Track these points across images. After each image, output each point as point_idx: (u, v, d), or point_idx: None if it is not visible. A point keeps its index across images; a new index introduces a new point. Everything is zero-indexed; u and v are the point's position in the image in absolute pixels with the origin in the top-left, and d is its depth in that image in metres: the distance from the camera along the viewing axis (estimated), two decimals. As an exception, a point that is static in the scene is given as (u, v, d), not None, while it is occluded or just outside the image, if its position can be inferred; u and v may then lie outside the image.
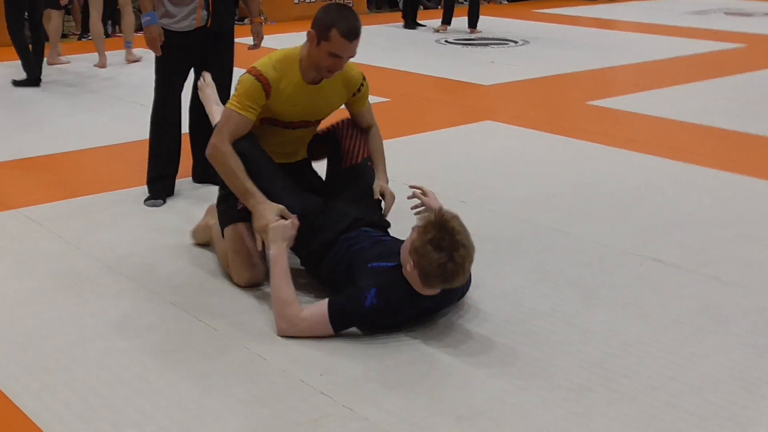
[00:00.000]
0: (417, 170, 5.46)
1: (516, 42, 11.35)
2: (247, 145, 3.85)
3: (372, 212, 3.96)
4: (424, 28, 12.63)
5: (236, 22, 5.68)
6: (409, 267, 3.33)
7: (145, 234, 4.53)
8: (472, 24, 12.22)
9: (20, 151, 6.10)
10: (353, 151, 4.11)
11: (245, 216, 3.91)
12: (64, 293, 3.83)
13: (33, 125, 6.90)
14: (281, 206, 3.70)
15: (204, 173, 5.25)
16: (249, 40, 5.30)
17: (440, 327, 3.51)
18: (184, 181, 5.34)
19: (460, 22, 12.28)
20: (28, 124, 6.95)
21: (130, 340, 3.41)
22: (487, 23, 13.15)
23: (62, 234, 4.50)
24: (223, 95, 4.95)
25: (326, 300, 3.43)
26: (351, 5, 14.29)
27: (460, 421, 2.88)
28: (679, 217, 4.84)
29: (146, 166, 5.15)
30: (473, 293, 3.79)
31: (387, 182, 4.09)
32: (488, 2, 16.21)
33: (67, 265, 4.13)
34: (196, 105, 5.12)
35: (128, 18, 9.83)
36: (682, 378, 3.14)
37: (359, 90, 4.05)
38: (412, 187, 4.07)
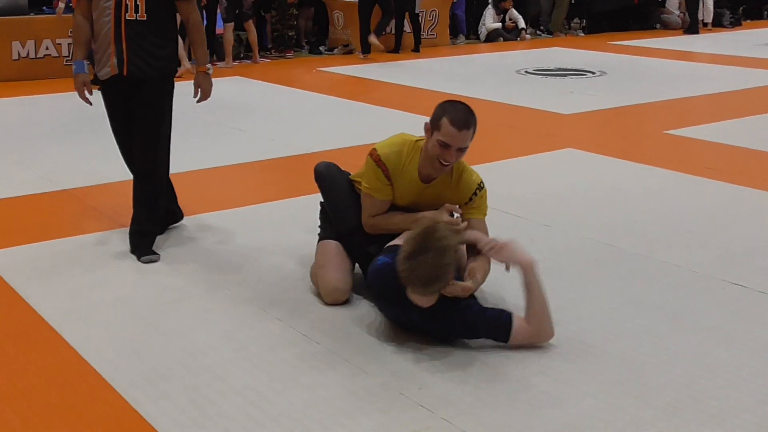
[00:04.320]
0: (503, 195, 5.46)
1: (593, 73, 11.27)
2: (327, 169, 4.15)
3: None
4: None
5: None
6: None
7: (249, 252, 4.60)
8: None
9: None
10: None
11: (341, 237, 4.05)
12: (176, 307, 3.93)
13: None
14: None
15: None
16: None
17: (530, 348, 3.49)
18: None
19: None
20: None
21: (239, 353, 3.48)
22: (565, 54, 13.11)
23: (170, 251, 4.61)
24: (145, 153, 4.52)
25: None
26: (435, 37, 14.37)
27: (555, 437, 2.87)
28: (758, 243, 4.75)
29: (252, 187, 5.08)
30: (562, 314, 3.76)
31: (488, 267, 3.71)
32: (565, 34, 16.14)
33: (177, 282, 4.22)
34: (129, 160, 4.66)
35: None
36: (771, 401, 3.09)
37: (471, 199, 3.87)
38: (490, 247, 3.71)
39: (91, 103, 4.57)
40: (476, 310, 3.49)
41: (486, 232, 3.87)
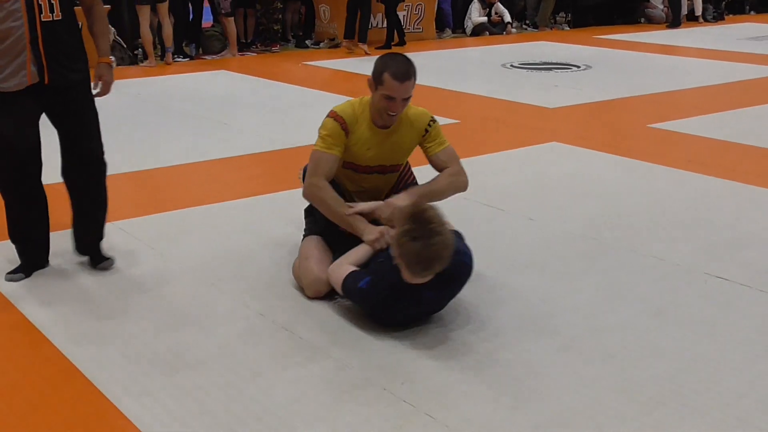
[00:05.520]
0: (487, 188, 5.45)
1: (578, 66, 11.26)
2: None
3: None
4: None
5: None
6: (396, 259, 3.43)
7: (233, 247, 4.56)
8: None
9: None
10: (400, 182, 4.25)
11: (325, 232, 4.05)
12: (158, 303, 3.89)
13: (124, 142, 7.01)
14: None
15: (82, 245, 4.33)
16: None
17: (515, 340, 3.49)
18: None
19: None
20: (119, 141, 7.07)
21: (221, 348, 3.44)
22: (550, 48, 13.10)
23: (153, 245, 4.57)
24: (96, 164, 4.15)
25: (349, 270, 3.67)
26: (421, 31, 14.35)
27: (538, 431, 2.85)
28: (741, 237, 4.74)
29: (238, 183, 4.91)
30: (545, 308, 3.76)
31: (404, 201, 3.83)
32: (550, 28, 16.13)
33: (158, 277, 4.19)
34: (69, 176, 4.17)
35: (167, 29, 11.41)
36: (753, 395, 3.07)
37: (427, 131, 4.05)
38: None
39: None
40: (461, 246, 3.65)
41: (456, 158, 4.08)
